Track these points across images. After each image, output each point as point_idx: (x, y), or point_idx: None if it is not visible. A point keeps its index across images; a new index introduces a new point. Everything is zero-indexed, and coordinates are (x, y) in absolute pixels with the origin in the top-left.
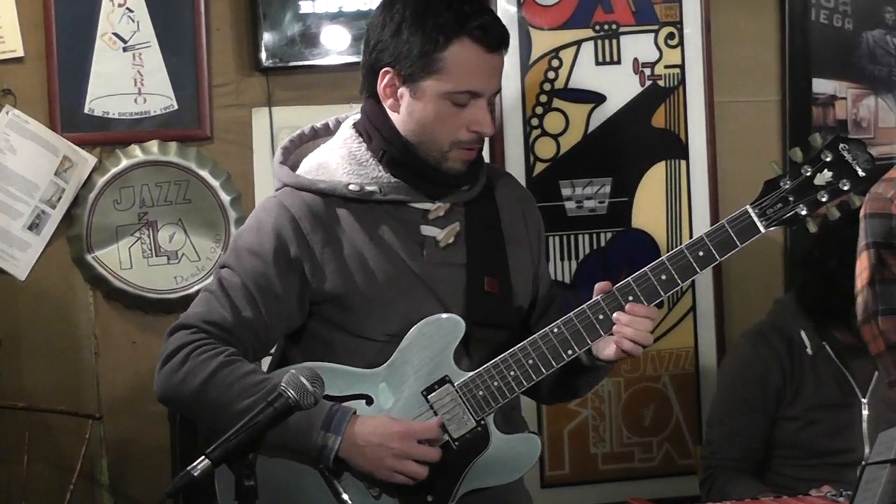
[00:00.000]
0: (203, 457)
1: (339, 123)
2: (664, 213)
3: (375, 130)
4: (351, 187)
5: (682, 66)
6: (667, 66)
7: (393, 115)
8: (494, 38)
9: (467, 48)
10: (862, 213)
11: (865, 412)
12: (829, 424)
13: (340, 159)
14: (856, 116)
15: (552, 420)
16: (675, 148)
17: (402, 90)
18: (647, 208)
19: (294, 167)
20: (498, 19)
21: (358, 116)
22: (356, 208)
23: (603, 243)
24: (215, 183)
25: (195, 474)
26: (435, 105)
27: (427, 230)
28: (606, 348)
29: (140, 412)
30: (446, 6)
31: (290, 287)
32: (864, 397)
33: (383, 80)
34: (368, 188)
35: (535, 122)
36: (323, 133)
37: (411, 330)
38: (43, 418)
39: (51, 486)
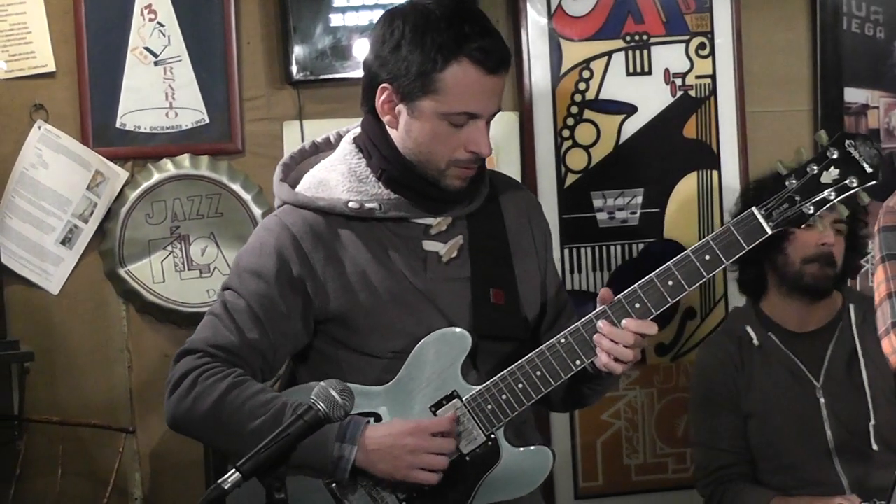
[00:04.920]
0: (234, 469)
1: (340, 137)
2: (696, 223)
3: (374, 147)
4: (351, 205)
5: (713, 76)
6: (698, 77)
7: (391, 132)
8: (494, 60)
9: (466, 70)
10: (876, 227)
11: (822, 398)
12: (787, 414)
13: (340, 176)
14: (888, 125)
15: (585, 431)
16: (706, 158)
17: (400, 107)
18: (679, 219)
19: (295, 183)
20: (499, 40)
21: (358, 130)
22: (357, 226)
23: (635, 254)
24: (247, 196)
25: (226, 487)
26: (432, 124)
27: (429, 245)
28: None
29: None
30: (447, 25)
31: (294, 307)
32: (818, 382)
33: (381, 97)
34: (368, 205)
35: (566, 133)
36: (324, 147)
37: (418, 345)
38: (76, 432)
39: (84, 500)
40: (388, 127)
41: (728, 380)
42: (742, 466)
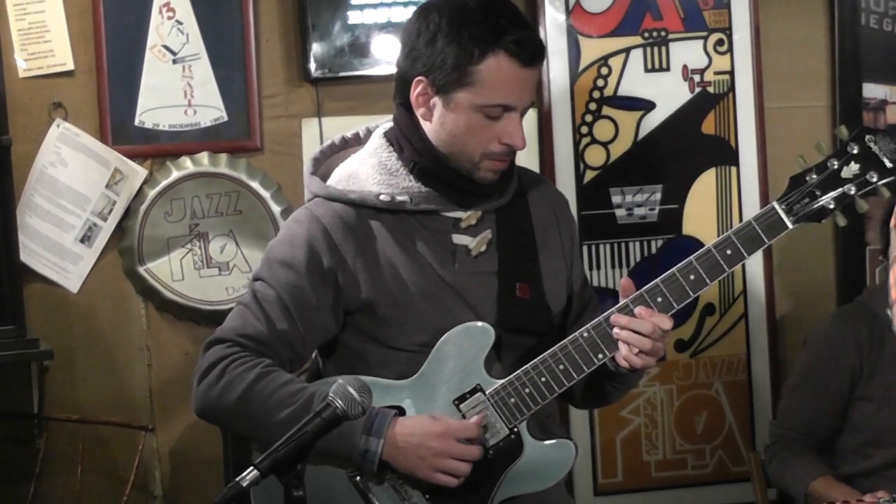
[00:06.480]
0: (252, 467)
1: (369, 132)
2: (715, 219)
3: (406, 140)
4: (382, 197)
5: (731, 73)
6: (716, 73)
7: (424, 124)
8: (529, 53)
9: (502, 62)
10: (893, 222)
11: None
12: None
13: (371, 169)
14: None
15: (605, 428)
16: (725, 154)
17: (435, 100)
18: (698, 215)
19: (325, 177)
20: (534, 33)
21: (389, 125)
22: (387, 218)
23: (653, 251)
24: (266, 194)
25: (244, 485)
26: (467, 117)
27: (458, 239)
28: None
29: (193, 423)
30: (482, 18)
31: (324, 298)
32: None
33: (416, 89)
34: (399, 198)
35: (584, 129)
36: (353, 142)
37: (441, 339)
38: (96, 430)
39: (104, 498)
40: (421, 120)
41: (845, 360)
42: (811, 439)
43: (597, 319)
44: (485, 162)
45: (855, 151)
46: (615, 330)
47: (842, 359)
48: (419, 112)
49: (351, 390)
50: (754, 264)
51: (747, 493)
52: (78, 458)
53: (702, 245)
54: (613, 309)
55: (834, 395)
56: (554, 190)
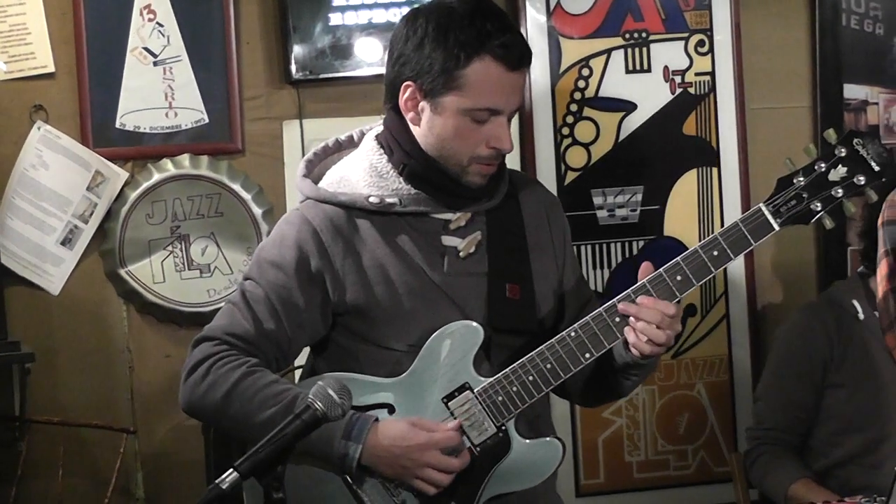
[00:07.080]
0: (231, 469)
1: (363, 135)
2: (696, 220)
3: (396, 143)
4: (371, 199)
5: (712, 74)
6: (697, 74)
7: (413, 129)
8: (516, 57)
9: (488, 66)
10: (880, 221)
11: None
12: (874, 395)
13: (362, 172)
14: (888, 121)
15: (587, 429)
16: (706, 155)
17: (423, 104)
18: (679, 216)
19: (317, 180)
20: (520, 37)
21: (381, 128)
22: (377, 220)
23: (635, 251)
24: (247, 196)
25: (224, 487)
26: (455, 121)
27: (448, 240)
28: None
29: (174, 426)
30: (469, 22)
31: (312, 299)
32: None
33: (404, 94)
34: (388, 200)
35: (565, 131)
36: (347, 145)
37: (430, 338)
38: (77, 432)
39: (86, 501)
40: (410, 124)
41: (815, 349)
42: (792, 435)
43: (584, 319)
44: (473, 166)
45: (843, 154)
46: (630, 319)
47: (812, 347)
48: (408, 116)
49: (330, 392)
50: (736, 266)
51: (729, 494)
52: (59, 461)
53: (683, 246)
54: (599, 310)
55: (807, 384)
56: (546, 192)
